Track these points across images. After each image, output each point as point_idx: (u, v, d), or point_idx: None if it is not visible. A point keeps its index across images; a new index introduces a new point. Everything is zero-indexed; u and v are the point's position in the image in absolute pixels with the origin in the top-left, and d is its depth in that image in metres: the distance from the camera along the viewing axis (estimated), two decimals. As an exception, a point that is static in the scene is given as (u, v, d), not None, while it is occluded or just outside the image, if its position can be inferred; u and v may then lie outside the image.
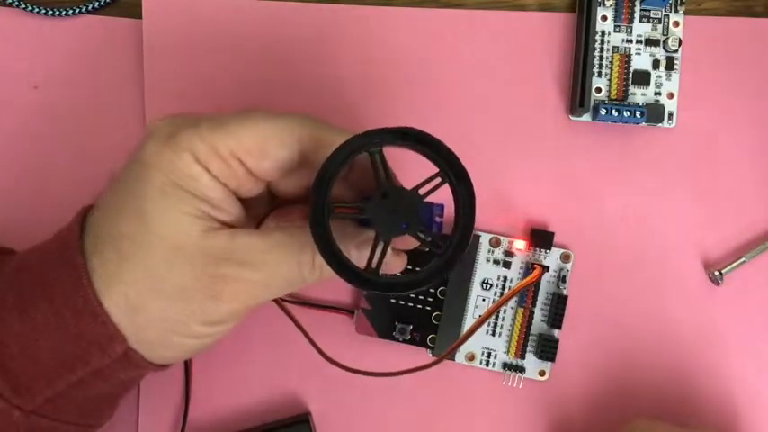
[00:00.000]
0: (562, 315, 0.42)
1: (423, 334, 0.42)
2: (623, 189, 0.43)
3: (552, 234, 0.42)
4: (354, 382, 0.38)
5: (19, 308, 0.31)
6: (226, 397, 0.42)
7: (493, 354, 0.42)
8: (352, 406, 0.42)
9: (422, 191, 0.30)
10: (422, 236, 0.30)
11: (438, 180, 0.30)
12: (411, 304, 0.42)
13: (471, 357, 0.42)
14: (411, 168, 0.32)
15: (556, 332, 0.42)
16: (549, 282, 0.42)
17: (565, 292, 0.42)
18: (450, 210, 0.31)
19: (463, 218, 0.30)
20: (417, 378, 0.38)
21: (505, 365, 0.42)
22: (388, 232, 0.30)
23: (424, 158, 0.30)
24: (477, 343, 0.42)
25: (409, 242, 0.32)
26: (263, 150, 0.32)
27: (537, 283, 0.42)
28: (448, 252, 0.30)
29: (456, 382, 0.42)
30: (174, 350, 0.33)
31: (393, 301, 0.42)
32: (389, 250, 0.32)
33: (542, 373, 0.42)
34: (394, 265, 0.34)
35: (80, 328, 0.31)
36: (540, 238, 0.42)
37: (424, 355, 0.42)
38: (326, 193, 0.29)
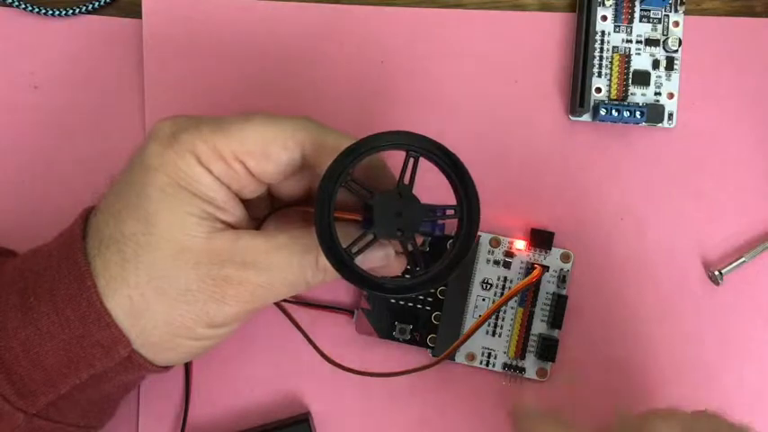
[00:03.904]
0: (562, 315, 0.42)
1: (423, 334, 0.42)
2: (623, 189, 0.43)
3: (552, 234, 0.42)
4: (354, 382, 0.39)
5: (22, 311, 0.31)
6: (226, 397, 0.42)
7: (493, 354, 0.42)
8: (352, 406, 0.42)
9: (428, 201, 0.30)
10: (421, 239, 0.30)
11: (452, 213, 0.31)
12: (411, 304, 0.42)
13: (471, 357, 0.42)
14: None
15: (556, 332, 0.42)
16: (549, 282, 0.42)
17: (565, 293, 0.42)
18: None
19: (465, 232, 0.30)
20: (417, 378, 0.38)
21: (505, 366, 0.42)
22: (383, 234, 0.30)
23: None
24: (478, 343, 0.42)
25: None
26: (265, 153, 0.32)
27: (537, 284, 0.42)
28: (451, 256, 0.30)
29: (456, 383, 0.42)
30: (178, 352, 0.33)
31: (393, 301, 0.42)
32: (391, 252, 0.33)
33: (542, 374, 0.42)
34: (394, 267, 0.34)
35: (84, 331, 0.31)
36: (540, 238, 0.42)
37: (425, 355, 0.42)
38: (332, 195, 0.30)
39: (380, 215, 0.30)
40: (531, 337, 0.42)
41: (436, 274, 0.30)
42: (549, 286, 0.42)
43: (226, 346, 0.40)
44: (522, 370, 0.42)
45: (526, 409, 0.38)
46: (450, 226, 0.31)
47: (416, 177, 0.31)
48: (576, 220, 0.43)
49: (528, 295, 0.42)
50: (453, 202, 0.31)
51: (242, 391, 0.42)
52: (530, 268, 0.42)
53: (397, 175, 0.31)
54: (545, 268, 0.42)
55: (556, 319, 0.42)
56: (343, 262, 0.30)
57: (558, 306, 0.42)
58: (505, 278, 0.42)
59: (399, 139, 0.30)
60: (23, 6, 0.43)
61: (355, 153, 0.30)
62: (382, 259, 0.33)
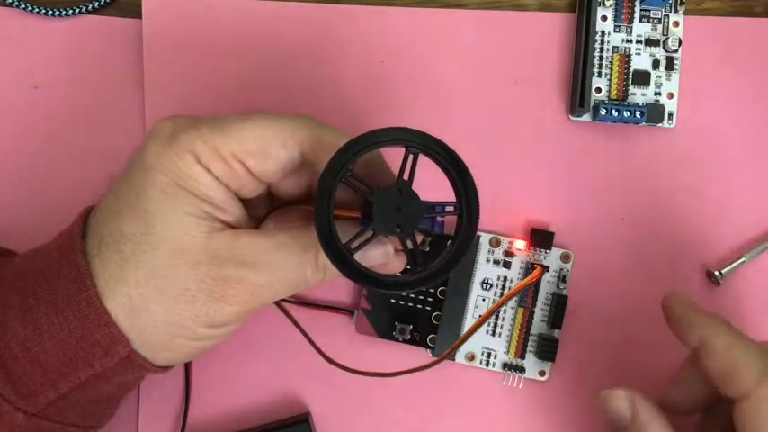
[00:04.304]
0: (562, 315, 0.42)
1: (423, 334, 0.42)
2: (623, 189, 0.43)
3: (552, 234, 0.42)
4: (354, 382, 0.38)
5: (22, 311, 0.31)
6: (226, 397, 0.42)
7: (493, 354, 0.42)
8: (352, 406, 0.42)
9: (435, 207, 0.30)
10: (421, 238, 0.30)
11: (451, 209, 0.31)
12: (411, 304, 0.42)
13: (471, 357, 0.42)
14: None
15: (556, 332, 0.42)
16: (549, 282, 0.42)
17: (565, 293, 0.42)
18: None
19: (465, 226, 0.30)
20: (417, 378, 0.38)
21: (505, 365, 0.42)
22: (383, 229, 0.30)
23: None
24: (477, 343, 0.42)
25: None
26: (265, 152, 0.32)
27: (537, 284, 0.42)
28: (451, 252, 0.30)
29: (456, 382, 0.42)
30: (177, 352, 0.33)
31: (393, 300, 0.42)
32: (390, 250, 0.33)
33: (542, 373, 0.42)
34: (394, 265, 0.34)
35: (83, 331, 0.31)
36: (541, 238, 0.42)
37: (424, 355, 0.42)
38: (332, 190, 0.29)
39: (380, 211, 0.30)
40: (531, 337, 0.42)
41: (436, 271, 0.30)
42: (549, 286, 0.42)
43: (225, 346, 0.40)
44: (522, 370, 0.42)
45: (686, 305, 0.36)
46: (450, 225, 0.31)
47: (416, 175, 0.31)
48: (575, 220, 0.43)
49: (528, 295, 0.42)
50: (453, 199, 0.31)
51: (242, 391, 0.42)
52: (530, 268, 0.42)
53: (395, 172, 0.31)
54: (545, 268, 0.42)
55: (556, 319, 0.42)
56: (342, 258, 0.29)
57: (558, 306, 0.42)
58: (505, 278, 0.42)
59: (400, 135, 0.30)
60: (23, 6, 0.43)
61: (356, 148, 0.30)
62: (382, 257, 0.33)
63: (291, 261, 0.32)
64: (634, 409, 0.34)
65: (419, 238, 0.32)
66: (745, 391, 0.32)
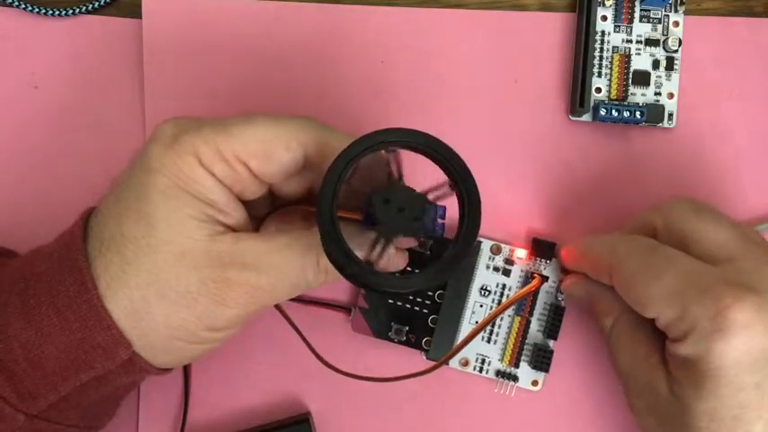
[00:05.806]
0: (559, 326, 0.41)
1: (418, 336, 0.42)
2: (623, 189, 0.43)
3: (554, 245, 0.42)
4: (354, 382, 0.39)
5: (23, 312, 0.31)
6: (226, 397, 0.42)
7: (487, 360, 0.42)
8: (352, 406, 0.42)
9: (430, 196, 0.30)
10: (422, 238, 0.30)
11: (446, 190, 0.30)
12: (408, 306, 0.42)
13: (465, 363, 0.42)
14: (411, 166, 0.32)
15: (551, 343, 0.42)
16: (547, 292, 0.42)
17: (563, 304, 0.42)
18: (451, 210, 0.31)
19: (467, 228, 0.30)
20: (413, 380, 0.38)
21: (499, 373, 0.42)
22: (391, 231, 0.30)
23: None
24: (472, 349, 0.42)
25: (409, 241, 0.32)
26: (268, 153, 0.32)
27: (535, 293, 0.42)
28: (452, 253, 0.30)
29: (449, 387, 0.42)
30: (178, 355, 0.33)
31: (391, 301, 0.42)
32: (392, 250, 0.33)
33: (535, 383, 0.42)
34: (396, 263, 0.34)
35: (85, 333, 0.31)
36: (542, 248, 0.42)
37: (419, 357, 0.42)
38: (335, 194, 0.29)
39: (384, 213, 0.30)
40: (526, 346, 0.42)
41: (438, 270, 0.30)
42: (547, 296, 0.42)
43: (225, 347, 0.40)
44: (516, 378, 0.42)
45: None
46: (451, 230, 0.31)
47: (405, 177, 0.30)
48: (575, 221, 0.43)
49: (526, 304, 0.42)
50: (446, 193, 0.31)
51: (242, 391, 0.42)
52: (529, 277, 0.42)
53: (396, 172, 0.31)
54: (544, 278, 0.42)
55: (552, 329, 0.41)
56: (345, 262, 0.29)
57: (556, 317, 0.41)
58: (504, 285, 0.42)
59: (404, 137, 0.30)
60: (23, 6, 0.43)
61: (359, 149, 0.30)
62: (384, 258, 0.33)
63: (293, 263, 0.32)
64: (585, 289, 0.40)
65: (420, 241, 0.32)
66: (644, 304, 0.35)
